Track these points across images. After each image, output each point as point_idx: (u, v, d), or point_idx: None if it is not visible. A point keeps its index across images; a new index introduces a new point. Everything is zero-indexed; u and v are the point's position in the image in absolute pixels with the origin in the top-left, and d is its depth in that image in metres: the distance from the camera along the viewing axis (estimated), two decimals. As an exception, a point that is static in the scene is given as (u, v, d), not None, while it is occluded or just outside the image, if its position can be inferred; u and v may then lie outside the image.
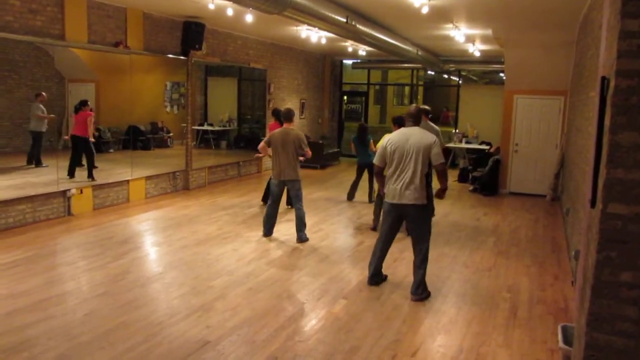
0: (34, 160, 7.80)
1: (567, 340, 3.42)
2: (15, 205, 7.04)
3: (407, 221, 5.20)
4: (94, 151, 8.46)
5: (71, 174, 8.04)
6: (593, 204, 2.35)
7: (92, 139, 8.31)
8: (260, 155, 7.22)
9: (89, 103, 8.30)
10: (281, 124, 7.03)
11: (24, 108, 7.49)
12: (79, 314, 4.42)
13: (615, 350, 2.16)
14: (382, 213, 5.35)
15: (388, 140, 5.12)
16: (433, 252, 6.52)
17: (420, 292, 5.01)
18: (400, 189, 4.94)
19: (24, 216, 7.16)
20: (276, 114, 8.29)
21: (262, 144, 6.87)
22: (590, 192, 2.41)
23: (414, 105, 5.44)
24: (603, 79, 2.31)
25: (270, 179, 7.12)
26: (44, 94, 7.58)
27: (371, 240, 7.10)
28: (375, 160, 5.18)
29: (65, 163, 7.96)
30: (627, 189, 2.11)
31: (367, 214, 8.58)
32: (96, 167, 8.46)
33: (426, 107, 7.96)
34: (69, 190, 7.75)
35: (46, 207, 7.48)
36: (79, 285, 5.12)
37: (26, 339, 3.95)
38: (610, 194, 2.13)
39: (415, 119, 5.11)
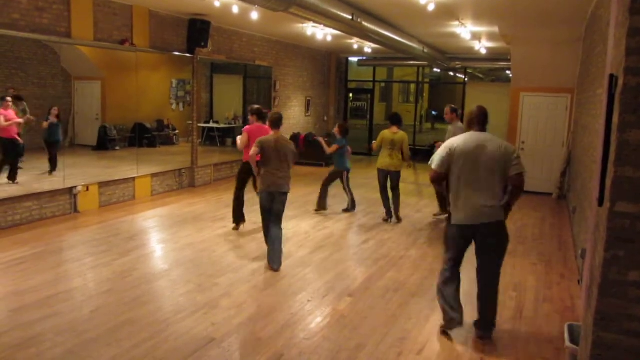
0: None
1: (574, 340, 3.41)
2: (22, 203, 7.08)
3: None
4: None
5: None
6: (601, 202, 2.34)
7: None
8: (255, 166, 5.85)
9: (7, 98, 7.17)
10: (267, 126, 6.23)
11: (30, 105, 7.51)
12: (86, 311, 4.44)
13: (623, 349, 2.15)
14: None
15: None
16: (439, 250, 6.52)
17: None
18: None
19: (30, 213, 7.20)
20: (260, 114, 7.04)
21: (254, 149, 5.70)
22: (598, 190, 2.39)
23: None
24: (611, 76, 2.29)
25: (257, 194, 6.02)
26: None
27: (375, 238, 7.10)
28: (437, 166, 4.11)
29: (71, 160, 7.98)
30: (636, 188, 2.09)
31: (373, 211, 8.58)
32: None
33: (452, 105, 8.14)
34: (75, 187, 7.78)
35: (53, 205, 7.52)
36: (85, 282, 5.14)
37: (34, 335, 3.97)
38: (618, 193, 2.12)
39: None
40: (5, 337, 3.92)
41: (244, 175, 7.18)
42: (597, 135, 4.47)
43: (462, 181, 4.00)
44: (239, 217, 7.25)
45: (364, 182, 11.21)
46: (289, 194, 5.88)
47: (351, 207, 8.66)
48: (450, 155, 4.00)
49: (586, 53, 8.22)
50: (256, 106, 7.25)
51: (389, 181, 8.04)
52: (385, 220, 8.13)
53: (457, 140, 4.05)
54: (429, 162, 4.09)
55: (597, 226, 2.55)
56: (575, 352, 3.26)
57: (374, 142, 8.53)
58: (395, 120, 8.08)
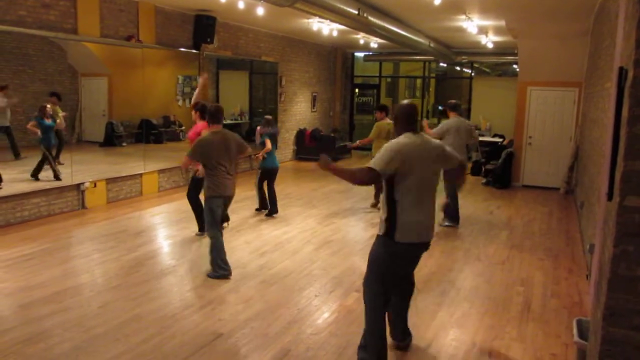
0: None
1: (582, 335, 3.39)
2: (30, 199, 7.12)
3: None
4: None
5: None
6: (610, 197, 2.32)
7: None
8: (191, 169, 5.19)
9: None
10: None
11: (38, 102, 7.54)
12: (94, 306, 4.46)
13: (632, 345, 2.13)
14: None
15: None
16: (446, 245, 6.52)
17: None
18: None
19: (39, 209, 7.24)
20: (203, 109, 6.19)
21: (186, 159, 5.30)
22: (607, 185, 2.37)
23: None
24: (621, 69, 2.27)
25: (209, 199, 5.21)
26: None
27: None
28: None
29: (78, 157, 8.01)
30: (645, 182, 2.07)
31: (379, 207, 8.55)
32: None
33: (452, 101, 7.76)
34: (83, 183, 7.81)
35: (60, 201, 7.55)
36: (93, 277, 5.17)
37: (42, 330, 4.00)
38: (627, 187, 2.09)
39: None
40: (14, 332, 3.95)
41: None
42: (606, 129, 4.44)
43: None
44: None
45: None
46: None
47: (261, 208, 7.93)
48: None
49: (594, 46, 8.15)
50: (202, 102, 6.34)
51: None
52: (374, 206, 8.34)
53: None
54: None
55: (606, 221, 2.53)
56: (583, 347, 3.24)
57: (359, 141, 8.62)
58: (388, 110, 8.33)
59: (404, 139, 3.46)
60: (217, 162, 5.12)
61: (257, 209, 8.06)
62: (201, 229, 6.57)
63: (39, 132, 7.36)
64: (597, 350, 2.25)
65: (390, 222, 3.41)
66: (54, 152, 7.67)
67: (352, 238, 6.95)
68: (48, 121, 7.40)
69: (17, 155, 7.47)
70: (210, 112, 5.25)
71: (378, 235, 3.53)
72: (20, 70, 7.24)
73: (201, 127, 6.28)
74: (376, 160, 3.38)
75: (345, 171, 3.54)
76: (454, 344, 4.00)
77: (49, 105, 7.39)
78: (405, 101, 3.74)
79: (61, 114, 7.62)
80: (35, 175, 7.43)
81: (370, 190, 8.81)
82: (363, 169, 3.40)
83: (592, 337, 2.60)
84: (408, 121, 3.56)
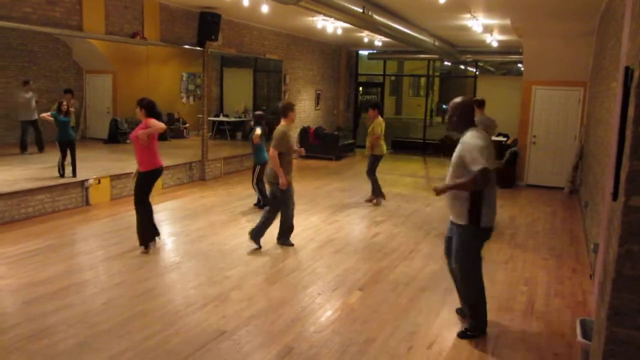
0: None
1: (586, 335, 3.39)
2: (35, 195, 7.14)
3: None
4: None
5: None
6: (615, 196, 2.31)
7: None
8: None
9: None
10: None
11: (42, 98, 7.58)
12: (98, 303, 4.48)
13: (636, 345, 2.12)
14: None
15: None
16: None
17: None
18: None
19: (43, 206, 7.26)
20: (149, 107, 6.33)
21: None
22: (612, 184, 2.37)
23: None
24: (627, 69, 2.26)
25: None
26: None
27: (386, 231, 7.08)
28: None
29: (82, 154, 8.03)
30: (651, 182, 2.06)
31: (384, 205, 8.55)
32: None
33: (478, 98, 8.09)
34: (87, 180, 7.84)
35: (65, 197, 7.58)
36: (97, 274, 5.19)
37: (46, 326, 4.02)
38: (632, 187, 2.09)
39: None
40: (18, 329, 3.96)
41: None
42: (611, 129, 4.43)
43: None
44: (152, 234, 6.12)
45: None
46: (277, 184, 6.00)
47: (258, 203, 8.14)
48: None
49: (599, 46, 8.12)
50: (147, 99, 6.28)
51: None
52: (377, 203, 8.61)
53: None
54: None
55: (611, 221, 2.52)
56: (587, 347, 3.24)
57: (373, 143, 8.50)
58: (382, 109, 8.79)
59: (478, 133, 3.83)
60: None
61: (255, 204, 8.19)
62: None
63: (52, 120, 7.54)
64: (600, 350, 2.24)
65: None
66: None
67: (356, 236, 6.95)
68: (63, 117, 7.49)
69: (41, 149, 7.66)
70: (280, 108, 6.25)
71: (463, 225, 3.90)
72: (25, 67, 7.27)
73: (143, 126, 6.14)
74: (481, 159, 3.61)
75: (461, 184, 3.77)
76: (457, 342, 3.99)
77: (65, 102, 7.47)
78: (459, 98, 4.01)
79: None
80: (73, 172, 7.66)
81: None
82: (478, 174, 3.60)
83: (595, 336, 2.60)
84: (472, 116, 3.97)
